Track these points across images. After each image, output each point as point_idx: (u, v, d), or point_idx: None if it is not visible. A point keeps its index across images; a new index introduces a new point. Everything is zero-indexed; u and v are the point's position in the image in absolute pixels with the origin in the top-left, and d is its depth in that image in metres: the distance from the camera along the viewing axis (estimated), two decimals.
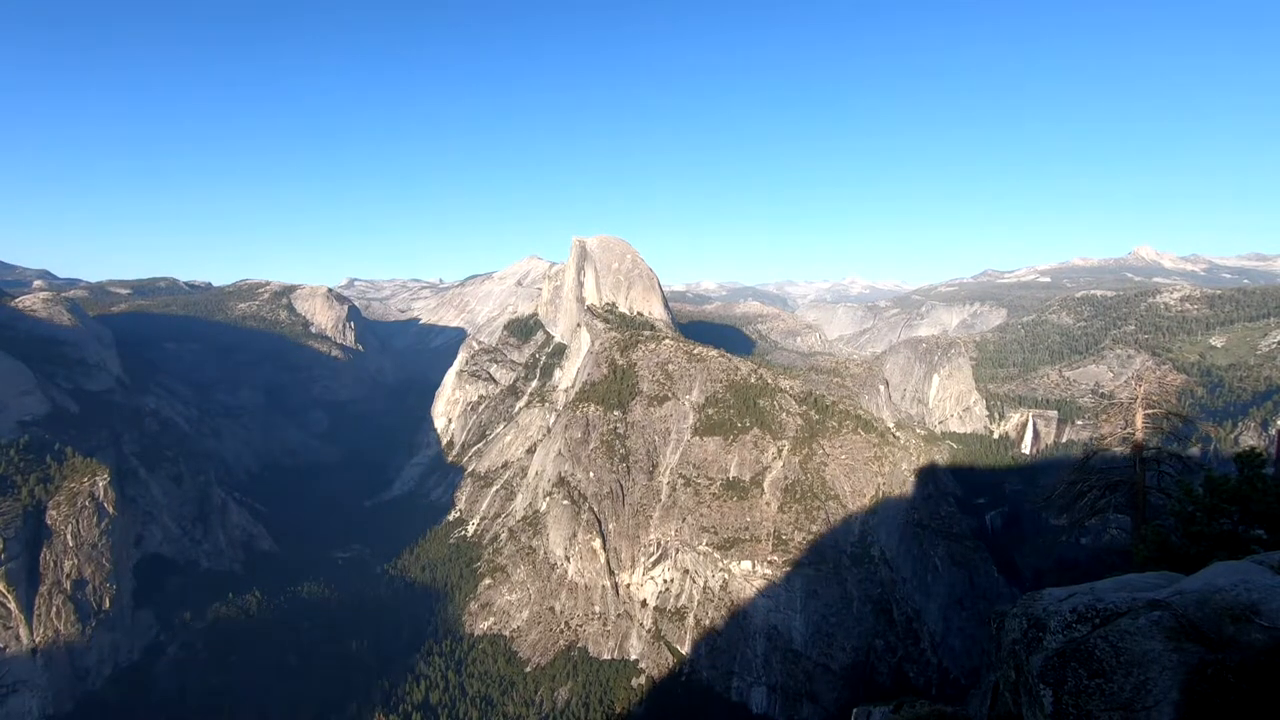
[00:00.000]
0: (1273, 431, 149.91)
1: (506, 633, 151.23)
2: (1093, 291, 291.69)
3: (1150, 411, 29.29)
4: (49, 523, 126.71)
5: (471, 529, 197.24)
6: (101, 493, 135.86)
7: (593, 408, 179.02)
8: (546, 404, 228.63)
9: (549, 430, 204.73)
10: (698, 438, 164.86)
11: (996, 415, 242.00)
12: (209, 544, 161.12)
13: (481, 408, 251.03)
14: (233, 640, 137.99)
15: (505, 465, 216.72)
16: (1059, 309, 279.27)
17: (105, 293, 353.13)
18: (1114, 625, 10.24)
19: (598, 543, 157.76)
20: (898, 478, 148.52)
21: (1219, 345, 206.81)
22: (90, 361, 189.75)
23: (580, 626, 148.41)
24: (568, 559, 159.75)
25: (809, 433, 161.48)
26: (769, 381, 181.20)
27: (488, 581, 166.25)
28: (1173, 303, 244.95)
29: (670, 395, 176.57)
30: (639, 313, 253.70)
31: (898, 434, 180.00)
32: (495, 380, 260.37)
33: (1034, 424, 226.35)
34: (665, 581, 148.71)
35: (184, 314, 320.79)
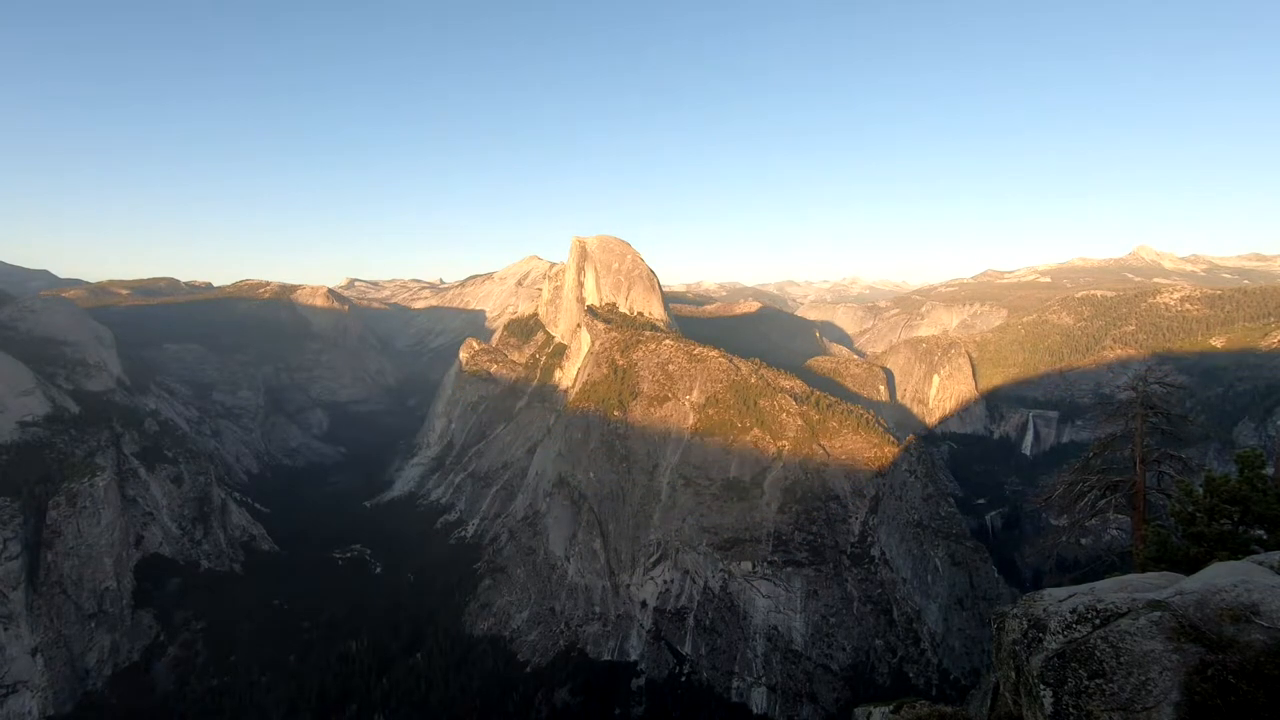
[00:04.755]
0: (1272, 431, 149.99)
1: (506, 633, 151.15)
2: (1093, 292, 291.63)
3: (1150, 412, 29.26)
4: (49, 523, 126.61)
5: (471, 529, 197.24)
6: (101, 493, 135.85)
7: (593, 408, 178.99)
8: (546, 404, 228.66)
9: (549, 430, 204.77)
10: (698, 438, 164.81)
11: (996, 415, 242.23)
12: (209, 544, 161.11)
13: (481, 408, 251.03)
14: (233, 640, 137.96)
15: (505, 465, 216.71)
16: (1059, 309, 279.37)
17: (105, 293, 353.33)
18: (1114, 625, 10.24)
19: (598, 543, 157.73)
20: (898, 478, 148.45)
21: (1219, 345, 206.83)
22: (90, 362, 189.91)
23: (580, 627, 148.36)
24: (568, 559, 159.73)
25: (809, 433, 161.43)
26: (769, 381, 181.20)
27: (487, 582, 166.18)
28: (1173, 303, 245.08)
29: (670, 395, 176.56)
30: (639, 313, 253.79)
31: (898, 434, 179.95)
32: (495, 380, 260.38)
33: (1034, 424, 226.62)
34: (665, 582, 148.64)
35: (184, 314, 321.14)
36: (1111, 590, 11.76)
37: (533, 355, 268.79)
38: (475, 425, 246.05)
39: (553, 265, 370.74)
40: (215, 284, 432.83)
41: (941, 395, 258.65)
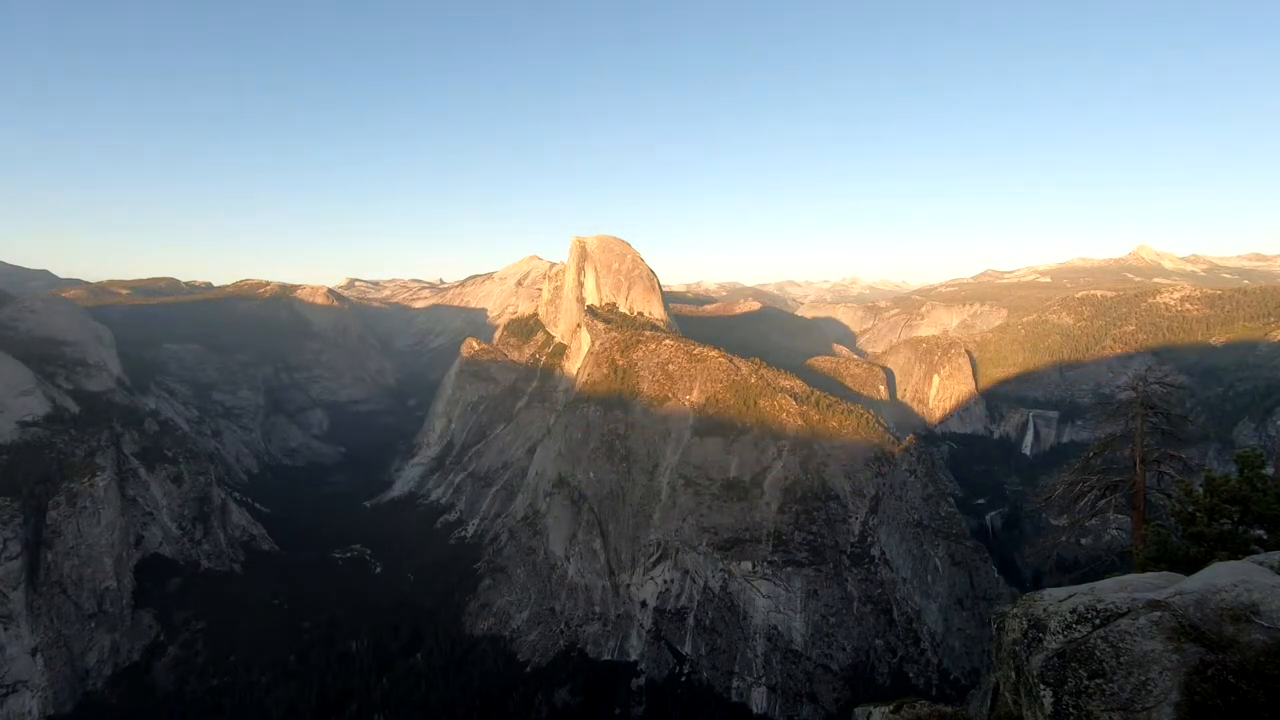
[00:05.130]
0: (1272, 431, 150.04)
1: (506, 633, 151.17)
2: (1093, 291, 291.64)
3: (1150, 412, 29.25)
4: (49, 523, 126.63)
5: (471, 529, 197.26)
6: (101, 493, 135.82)
7: (593, 408, 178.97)
8: (546, 404, 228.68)
9: (549, 430, 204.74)
10: (698, 438, 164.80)
11: (996, 415, 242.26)
12: (209, 544, 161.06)
13: (481, 408, 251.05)
14: (233, 640, 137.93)
15: (505, 465, 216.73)
16: (1059, 309, 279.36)
17: (105, 293, 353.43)
18: (1114, 625, 10.24)
19: (598, 543, 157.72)
20: (898, 478, 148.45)
21: (1219, 345, 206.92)
22: (90, 361, 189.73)
23: (580, 627, 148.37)
24: (568, 559, 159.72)
25: (809, 433, 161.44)
26: (769, 381, 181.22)
27: (487, 582, 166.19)
28: (1173, 303, 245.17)
29: (670, 395, 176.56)
30: (639, 313, 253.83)
31: (898, 434, 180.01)
32: (495, 380, 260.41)
33: (1034, 424, 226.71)
34: (665, 582, 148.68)
35: (184, 314, 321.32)
36: (1111, 590, 11.75)
37: (533, 355, 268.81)
38: (475, 425, 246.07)
39: (553, 265, 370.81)
40: (215, 284, 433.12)
41: (941, 395, 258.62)
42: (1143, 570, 19.25)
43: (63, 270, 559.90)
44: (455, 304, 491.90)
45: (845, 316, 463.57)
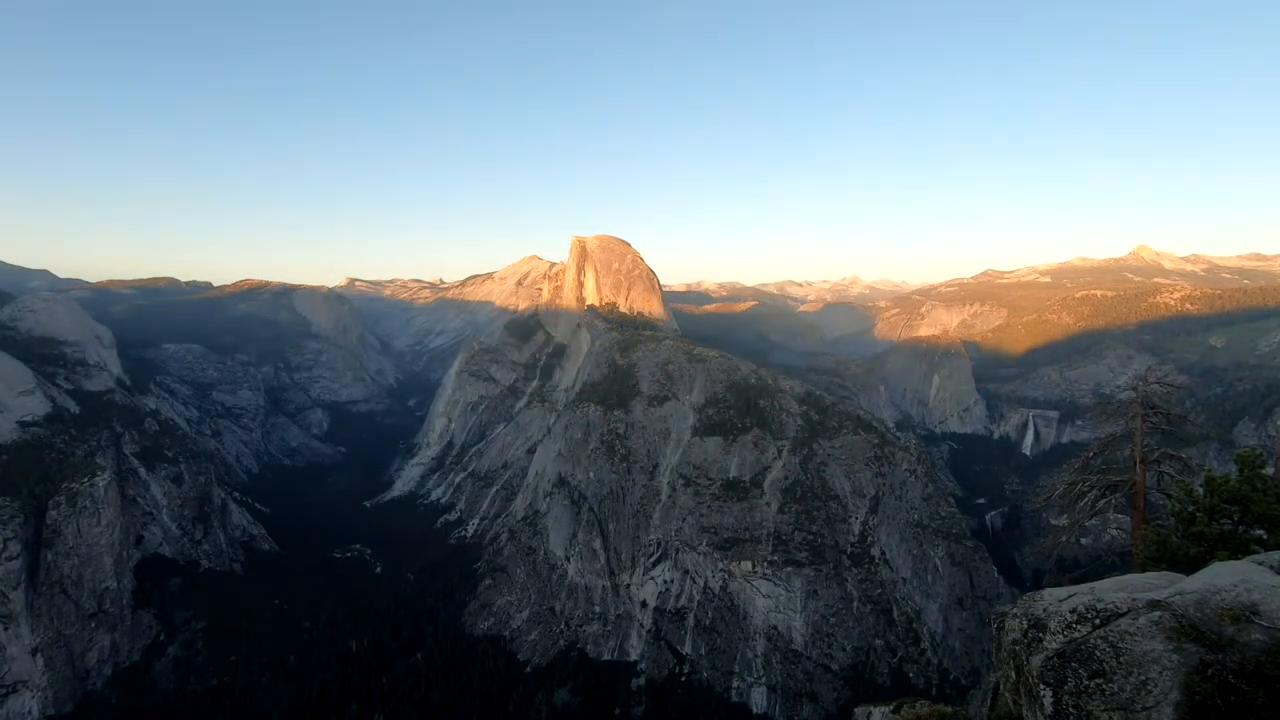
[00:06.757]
0: (1272, 431, 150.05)
1: (506, 633, 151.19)
2: (1093, 291, 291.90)
3: (1150, 412, 29.25)
4: (49, 523, 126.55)
5: (471, 529, 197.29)
6: (101, 493, 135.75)
7: (593, 408, 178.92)
8: (546, 404, 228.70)
9: (549, 430, 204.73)
10: (698, 438, 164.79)
11: (996, 415, 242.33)
12: (209, 544, 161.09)
13: (481, 408, 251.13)
14: (233, 640, 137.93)
15: (505, 465, 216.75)
16: (1059, 309, 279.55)
17: (105, 293, 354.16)
18: (1114, 625, 10.24)
19: (598, 543, 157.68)
20: (898, 478, 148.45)
21: (1219, 345, 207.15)
22: (90, 361, 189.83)
23: (580, 627, 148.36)
24: (568, 559, 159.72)
25: (809, 433, 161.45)
26: (769, 382, 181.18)
27: (487, 582, 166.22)
28: (1173, 303, 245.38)
29: (670, 395, 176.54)
30: (639, 313, 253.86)
31: (898, 434, 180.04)
32: (495, 380, 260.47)
33: (1034, 424, 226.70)
34: (665, 582, 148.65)
35: (184, 314, 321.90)
36: (1111, 590, 11.75)
37: (533, 355, 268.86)
38: (475, 425, 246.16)
39: (553, 265, 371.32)
40: (215, 284, 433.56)
41: (941, 395, 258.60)
42: (1143, 570, 19.24)
43: (63, 270, 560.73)
44: (455, 304, 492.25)
45: (845, 316, 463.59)
